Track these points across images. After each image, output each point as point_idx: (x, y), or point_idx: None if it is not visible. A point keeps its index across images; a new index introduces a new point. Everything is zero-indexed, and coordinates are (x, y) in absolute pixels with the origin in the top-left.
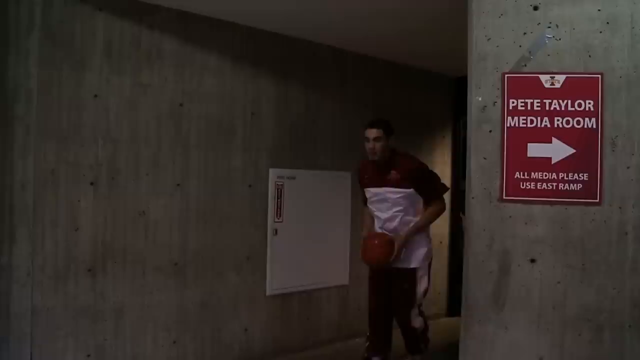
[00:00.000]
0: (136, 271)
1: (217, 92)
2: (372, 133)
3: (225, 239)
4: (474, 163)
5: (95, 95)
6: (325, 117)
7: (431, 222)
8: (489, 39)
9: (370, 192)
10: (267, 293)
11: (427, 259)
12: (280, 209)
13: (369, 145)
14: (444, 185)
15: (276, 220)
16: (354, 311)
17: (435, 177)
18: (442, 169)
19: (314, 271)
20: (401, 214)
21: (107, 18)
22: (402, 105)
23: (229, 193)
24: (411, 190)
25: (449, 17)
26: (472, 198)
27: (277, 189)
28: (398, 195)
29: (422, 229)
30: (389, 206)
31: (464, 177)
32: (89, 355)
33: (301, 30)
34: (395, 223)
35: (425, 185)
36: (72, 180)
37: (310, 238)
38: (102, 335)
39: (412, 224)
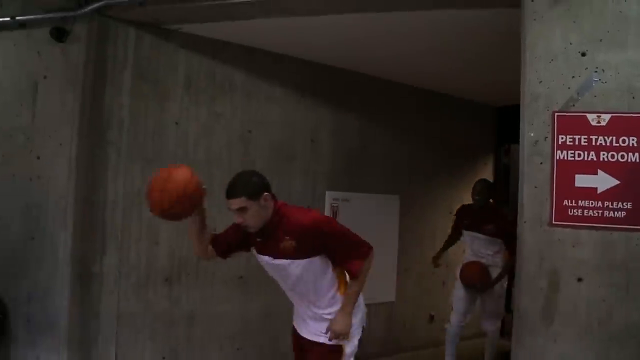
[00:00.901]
0: (206, 282)
1: (280, 120)
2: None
3: None
4: (526, 191)
5: (176, 123)
6: (377, 144)
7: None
8: (540, 82)
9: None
10: None
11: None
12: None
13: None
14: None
15: None
16: (399, 327)
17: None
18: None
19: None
20: None
21: (187, 55)
22: (446, 133)
23: None
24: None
25: (494, 53)
26: (524, 222)
27: (333, 210)
28: None
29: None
30: None
31: (505, 202)
32: (164, 358)
33: (356, 64)
34: None
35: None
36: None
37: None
38: (175, 340)
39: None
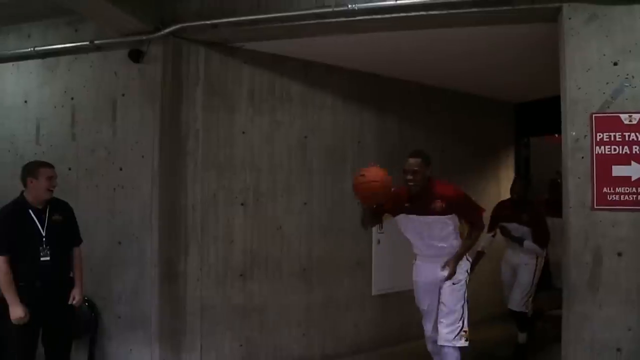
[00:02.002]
0: (275, 276)
1: (332, 126)
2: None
3: (340, 249)
4: (570, 181)
5: (243, 132)
6: (414, 143)
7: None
8: (579, 88)
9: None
10: (373, 293)
11: None
12: (382, 222)
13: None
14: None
15: (379, 232)
16: None
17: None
18: (507, 184)
19: (408, 275)
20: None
21: (250, 69)
22: (471, 130)
23: (343, 210)
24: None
25: (519, 57)
26: (570, 208)
27: None
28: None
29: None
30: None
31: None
32: (241, 345)
33: (394, 71)
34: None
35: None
36: (228, 202)
37: (405, 246)
38: (250, 329)
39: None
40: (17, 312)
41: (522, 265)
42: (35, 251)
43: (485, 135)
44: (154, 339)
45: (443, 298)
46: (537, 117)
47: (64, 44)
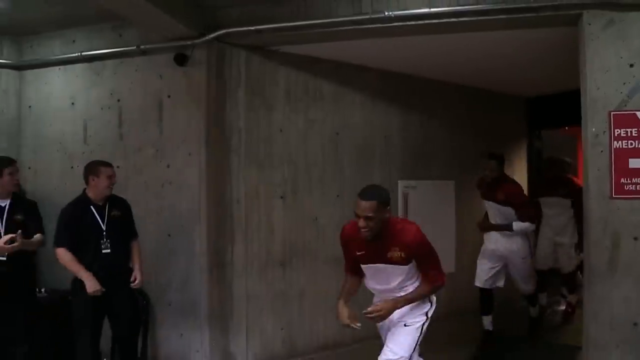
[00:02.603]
0: (312, 265)
1: (361, 122)
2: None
3: None
4: (590, 173)
5: (281, 130)
6: (435, 137)
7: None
8: (598, 88)
9: None
10: None
11: None
12: (407, 211)
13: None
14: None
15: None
16: (460, 293)
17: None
18: (520, 175)
19: None
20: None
21: (286, 71)
22: (486, 123)
23: None
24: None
25: (536, 56)
26: (590, 197)
27: (404, 196)
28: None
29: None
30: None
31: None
32: (282, 329)
33: (418, 70)
34: None
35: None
36: (268, 196)
37: (428, 233)
38: (290, 314)
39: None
40: (93, 284)
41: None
42: (97, 244)
43: (499, 129)
44: (204, 323)
45: (389, 340)
46: (549, 110)
47: (109, 48)
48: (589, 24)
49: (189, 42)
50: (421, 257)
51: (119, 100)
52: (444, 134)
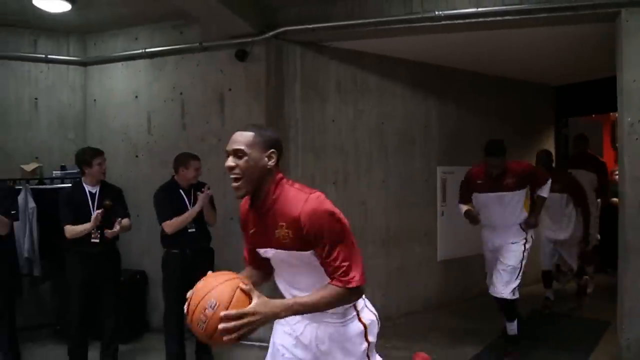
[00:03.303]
0: (360, 245)
1: (403, 112)
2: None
3: (412, 220)
4: (625, 159)
5: (333, 120)
6: (469, 125)
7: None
8: (634, 81)
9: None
10: (438, 259)
11: None
12: (445, 196)
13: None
14: None
15: (442, 204)
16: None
17: None
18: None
19: (468, 243)
20: None
21: (337, 64)
22: (515, 111)
23: (413, 186)
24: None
25: (569, 48)
26: (625, 180)
27: (442, 182)
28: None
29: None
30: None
31: (564, 167)
32: None
33: (454, 62)
34: None
35: None
36: (322, 182)
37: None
38: None
39: None
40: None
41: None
42: None
43: (528, 116)
44: None
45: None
46: (576, 98)
47: (171, 45)
48: (627, 21)
49: (249, 40)
50: (319, 240)
51: (181, 94)
52: (476, 122)
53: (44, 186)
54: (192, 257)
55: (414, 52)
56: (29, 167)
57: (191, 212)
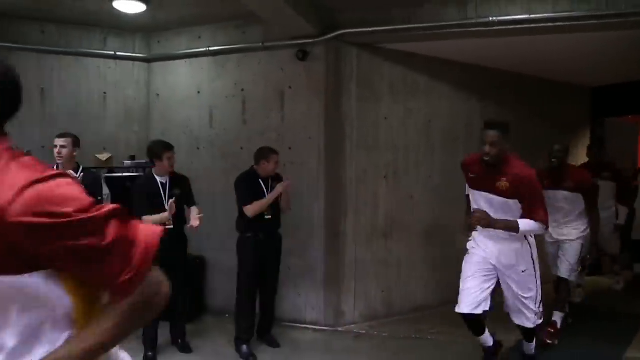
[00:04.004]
0: (407, 236)
1: (447, 111)
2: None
3: (454, 214)
4: None
5: (385, 118)
6: (512, 125)
7: None
8: None
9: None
10: None
11: None
12: None
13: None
14: None
15: None
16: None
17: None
18: (583, 161)
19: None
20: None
21: (389, 66)
22: (554, 111)
23: (457, 181)
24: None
25: (610, 52)
26: None
27: None
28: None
29: None
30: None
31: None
32: (382, 291)
33: (496, 63)
34: None
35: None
36: (374, 176)
37: None
38: (389, 279)
39: None
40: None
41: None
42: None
43: (565, 116)
44: (320, 285)
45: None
46: (612, 99)
47: (233, 44)
48: None
49: (310, 41)
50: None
51: (242, 90)
52: (516, 122)
53: (115, 174)
54: (264, 241)
55: (461, 54)
56: (103, 157)
57: (269, 197)
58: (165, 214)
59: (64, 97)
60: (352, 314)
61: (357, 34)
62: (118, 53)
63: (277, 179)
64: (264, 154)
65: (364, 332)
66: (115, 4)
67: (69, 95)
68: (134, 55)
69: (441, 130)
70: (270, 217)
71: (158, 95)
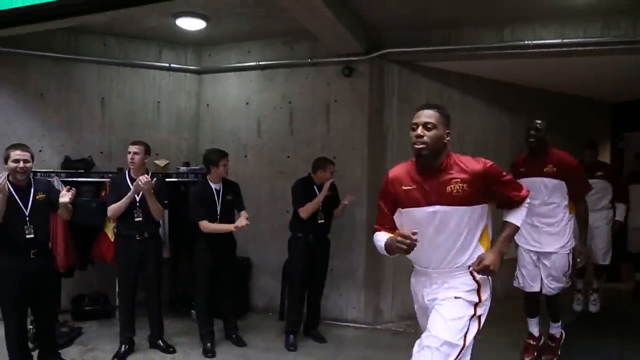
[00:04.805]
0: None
1: (480, 125)
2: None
3: None
4: None
5: None
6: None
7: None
8: None
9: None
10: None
11: None
12: None
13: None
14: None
15: None
16: None
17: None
18: None
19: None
20: None
21: (426, 82)
22: (576, 126)
23: None
24: None
25: (630, 70)
26: None
27: None
28: None
29: None
30: None
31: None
32: None
33: (524, 80)
34: None
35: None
36: None
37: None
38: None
39: None
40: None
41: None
42: (315, 214)
43: (588, 130)
44: (361, 285)
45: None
46: (632, 114)
47: (281, 60)
48: None
49: (355, 58)
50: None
51: (290, 102)
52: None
53: (172, 179)
54: (314, 243)
55: (493, 72)
56: (162, 163)
57: (319, 197)
58: (231, 226)
59: (121, 106)
60: (390, 313)
61: (399, 53)
62: (172, 65)
63: (332, 188)
64: (321, 163)
65: (401, 330)
66: (177, 22)
67: (126, 103)
68: (186, 67)
69: (474, 142)
70: (323, 221)
71: (208, 105)
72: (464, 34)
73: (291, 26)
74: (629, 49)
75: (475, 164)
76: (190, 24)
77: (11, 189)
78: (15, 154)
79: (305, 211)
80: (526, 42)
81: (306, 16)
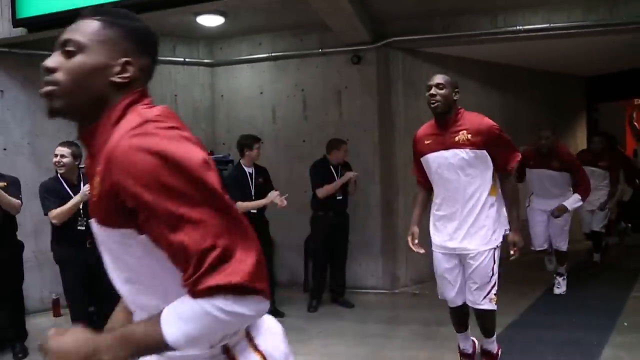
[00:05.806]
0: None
1: (473, 104)
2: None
3: None
4: None
5: (424, 112)
6: (521, 113)
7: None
8: None
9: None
10: None
11: None
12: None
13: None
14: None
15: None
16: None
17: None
18: (581, 143)
19: None
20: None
21: (428, 66)
22: (556, 100)
23: None
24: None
25: (614, 48)
26: None
27: None
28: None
29: None
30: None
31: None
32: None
33: (513, 60)
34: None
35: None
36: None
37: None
38: None
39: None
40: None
41: None
42: (334, 194)
43: (565, 103)
44: (377, 255)
45: None
46: (605, 87)
47: (291, 51)
48: None
49: (363, 47)
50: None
51: (302, 90)
52: (529, 110)
53: None
54: (333, 218)
55: (486, 54)
56: None
57: (338, 182)
58: (264, 201)
59: None
60: (405, 279)
61: (403, 41)
62: (187, 59)
63: (346, 166)
64: (335, 144)
65: (417, 292)
66: (198, 19)
67: None
68: (199, 60)
69: None
70: (340, 197)
71: (222, 96)
72: (462, 22)
73: (301, 19)
74: (606, 30)
75: (479, 120)
76: (210, 21)
77: (64, 184)
78: (56, 149)
79: (322, 192)
80: (518, 27)
81: (329, 11)
